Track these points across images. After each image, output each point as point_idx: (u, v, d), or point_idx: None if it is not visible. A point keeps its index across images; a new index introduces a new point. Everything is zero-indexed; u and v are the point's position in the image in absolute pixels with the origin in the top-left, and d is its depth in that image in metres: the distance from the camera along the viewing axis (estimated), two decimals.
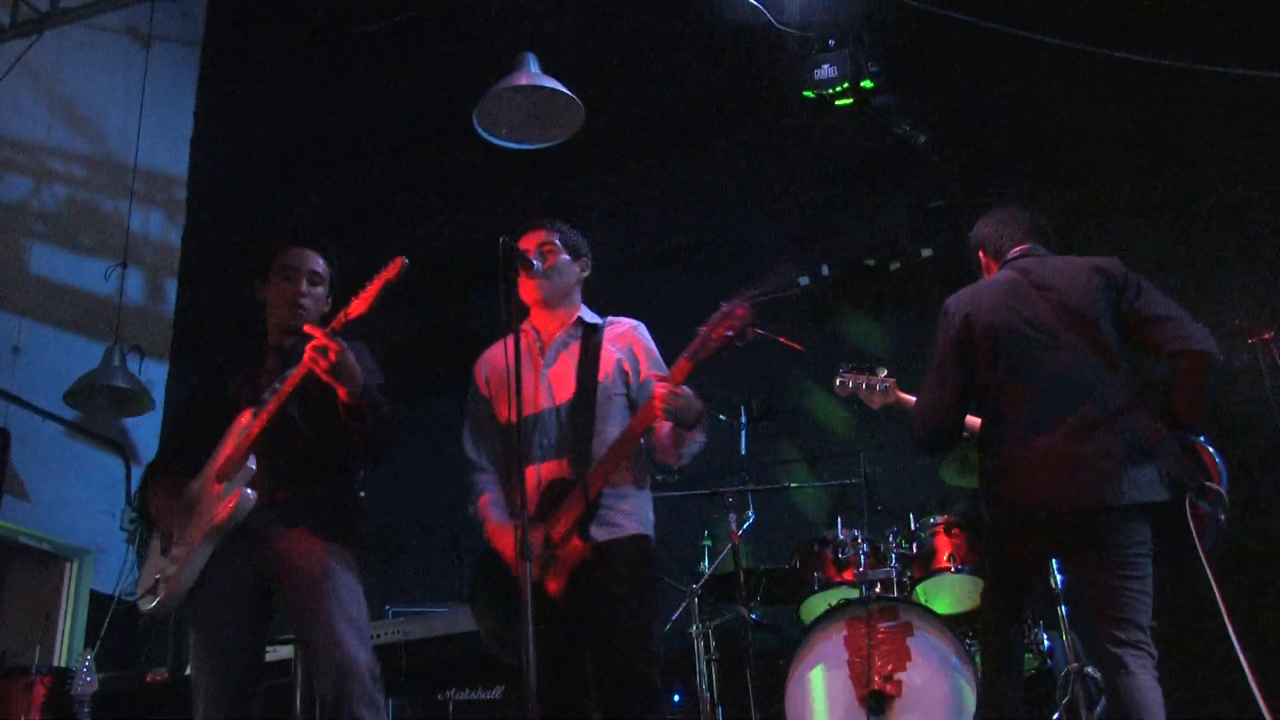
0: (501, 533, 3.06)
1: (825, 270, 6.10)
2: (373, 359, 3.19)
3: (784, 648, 4.55)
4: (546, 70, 4.58)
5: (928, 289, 5.65)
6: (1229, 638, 2.90)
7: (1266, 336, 4.17)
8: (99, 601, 6.53)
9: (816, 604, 4.49)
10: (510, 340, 2.73)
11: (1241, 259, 5.38)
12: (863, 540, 4.43)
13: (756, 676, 4.37)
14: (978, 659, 3.79)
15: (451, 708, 4.45)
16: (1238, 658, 2.89)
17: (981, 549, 4.22)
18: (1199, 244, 5.46)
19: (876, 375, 3.74)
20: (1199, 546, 2.93)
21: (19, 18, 5.79)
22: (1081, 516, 2.96)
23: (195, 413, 3.27)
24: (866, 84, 5.49)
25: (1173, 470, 2.95)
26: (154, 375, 7.15)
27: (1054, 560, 3.81)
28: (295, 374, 2.92)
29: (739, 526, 4.61)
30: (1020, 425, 3.08)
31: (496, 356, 3.25)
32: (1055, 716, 3.86)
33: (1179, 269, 5.29)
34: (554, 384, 3.15)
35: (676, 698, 4.95)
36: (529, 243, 3.23)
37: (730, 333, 2.87)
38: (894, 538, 4.47)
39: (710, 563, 4.82)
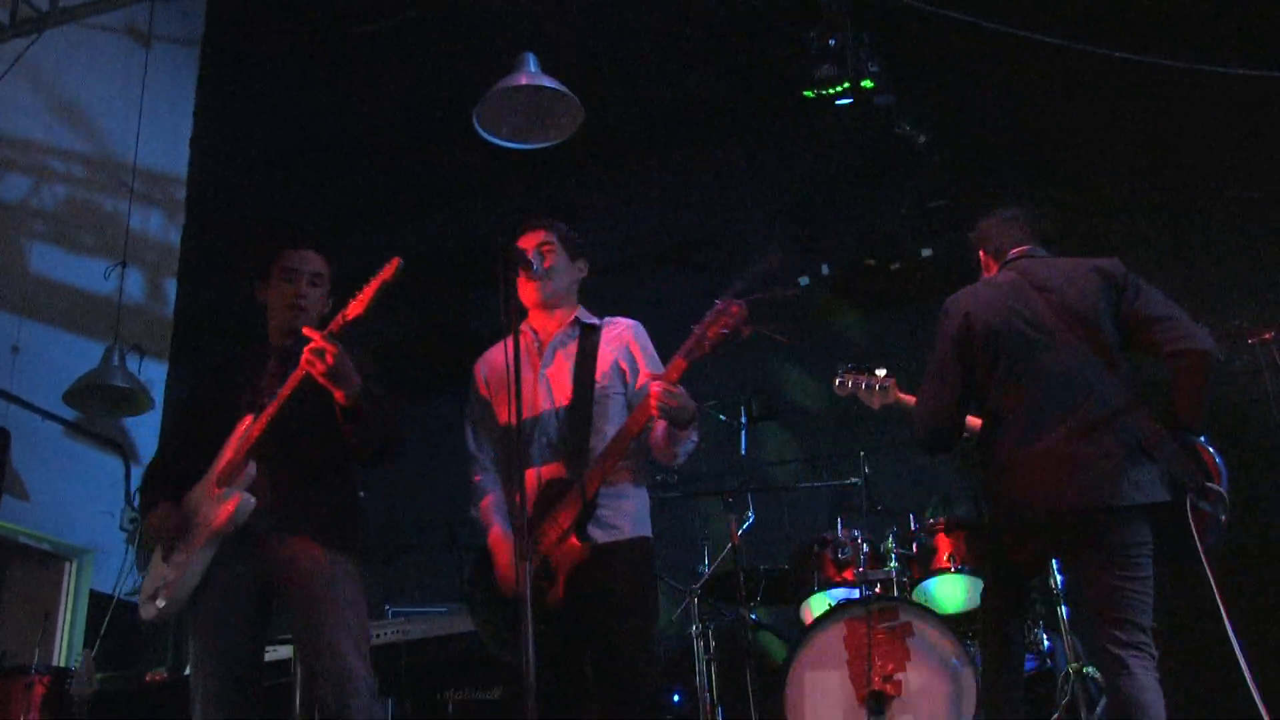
0: (501, 546, 3.06)
1: (825, 270, 6.10)
2: (373, 361, 3.19)
3: (784, 648, 4.54)
4: (546, 70, 4.57)
5: (928, 289, 5.64)
6: (1229, 638, 2.90)
7: (1267, 337, 4.17)
8: (98, 601, 6.53)
9: (816, 604, 4.49)
10: (509, 341, 2.73)
11: (1241, 259, 5.38)
12: (862, 540, 4.43)
13: (756, 677, 4.37)
14: (977, 659, 3.79)
15: (451, 708, 4.45)
16: (1238, 658, 2.89)
17: (981, 549, 4.22)
18: (1199, 244, 5.46)
19: (876, 375, 3.74)
20: (1199, 547, 2.93)
21: (19, 17, 5.79)
22: (1082, 517, 2.96)
23: (195, 415, 3.27)
24: (866, 84, 5.48)
25: (1173, 471, 2.95)
26: (153, 375, 7.15)
27: (1054, 560, 3.81)
28: (294, 377, 2.92)
29: (739, 526, 4.61)
30: (1020, 425, 3.08)
31: (495, 357, 3.25)
32: (1055, 717, 3.86)
33: (1179, 269, 5.29)
34: (552, 385, 3.15)
35: (676, 698, 4.95)
36: (528, 242, 3.23)
37: (725, 330, 2.87)
38: (893, 538, 4.47)
39: (710, 563, 4.81)
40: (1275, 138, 5.30)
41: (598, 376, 3.13)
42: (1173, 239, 5.49)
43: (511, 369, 2.69)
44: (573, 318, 3.26)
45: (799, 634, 4.27)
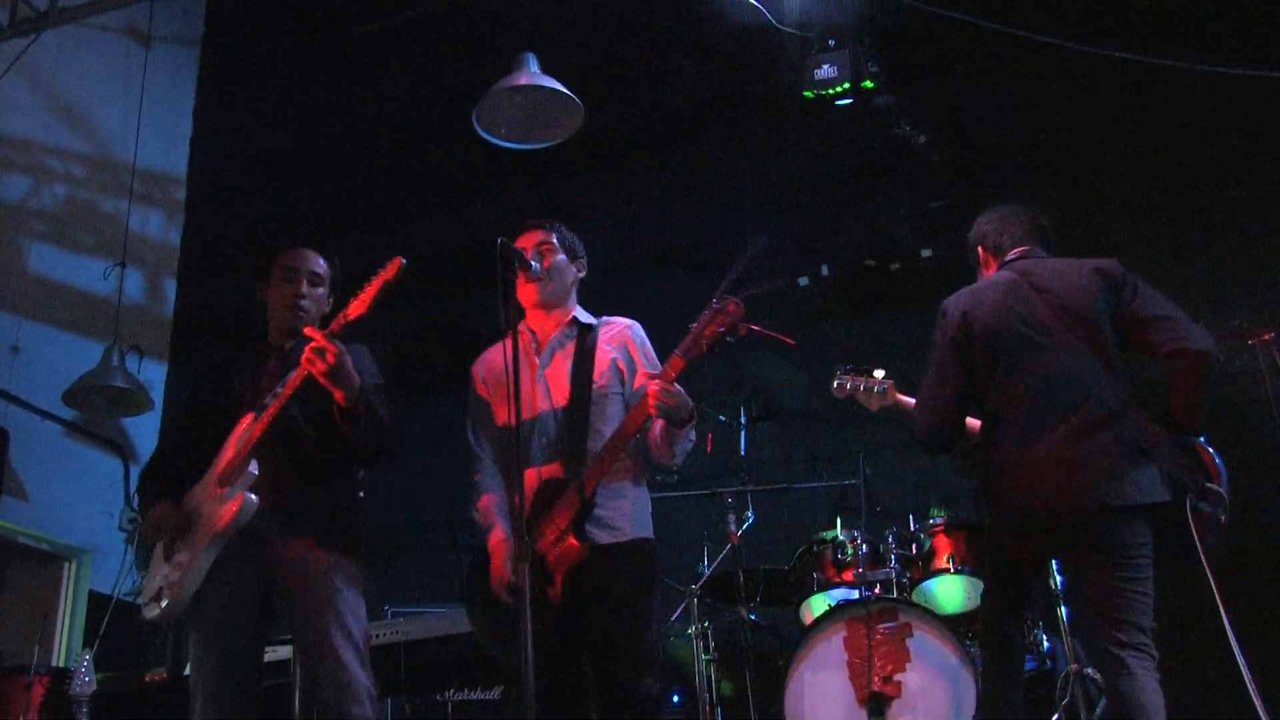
0: (500, 549, 3.05)
1: (825, 270, 6.09)
2: (373, 361, 3.18)
3: (783, 648, 4.54)
4: (546, 70, 4.58)
5: (928, 289, 5.64)
6: (1229, 638, 2.90)
7: (1267, 337, 4.16)
8: (97, 601, 6.53)
9: (816, 605, 4.49)
10: (509, 341, 2.72)
11: (1241, 259, 5.37)
12: (862, 541, 4.43)
13: (756, 677, 4.36)
14: (977, 660, 3.79)
15: (450, 708, 4.45)
16: (1237, 658, 2.89)
17: (981, 550, 4.22)
18: (1199, 244, 5.46)
19: (874, 377, 3.73)
20: (1199, 548, 2.93)
21: (18, 17, 5.78)
22: (1082, 517, 2.95)
23: (194, 414, 3.26)
24: (867, 84, 5.47)
25: (1173, 471, 2.95)
26: (153, 375, 7.14)
27: (1054, 561, 3.80)
28: (295, 377, 2.92)
29: (738, 527, 4.61)
30: (1019, 426, 3.08)
31: (493, 358, 3.26)
32: (1055, 718, 3.85)
33: (1179, 269, 5.29)
34: (550, 385, 3.15)
35: (676, 698, 4.94)
36: (526, 242, 3.23)
37: (722, 329, 2.87)
38: (893, 539, 4.47)
39: (710, 563, 4.81)
40: (1275, 138, 5.29)
41: (596, 376, 3.13)
42: (1173, 239, 5.48)
43: (510, 369, 2.69)
44: (570, 317, 3.26)
45: (799, 635, 4.26)
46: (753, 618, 4.56)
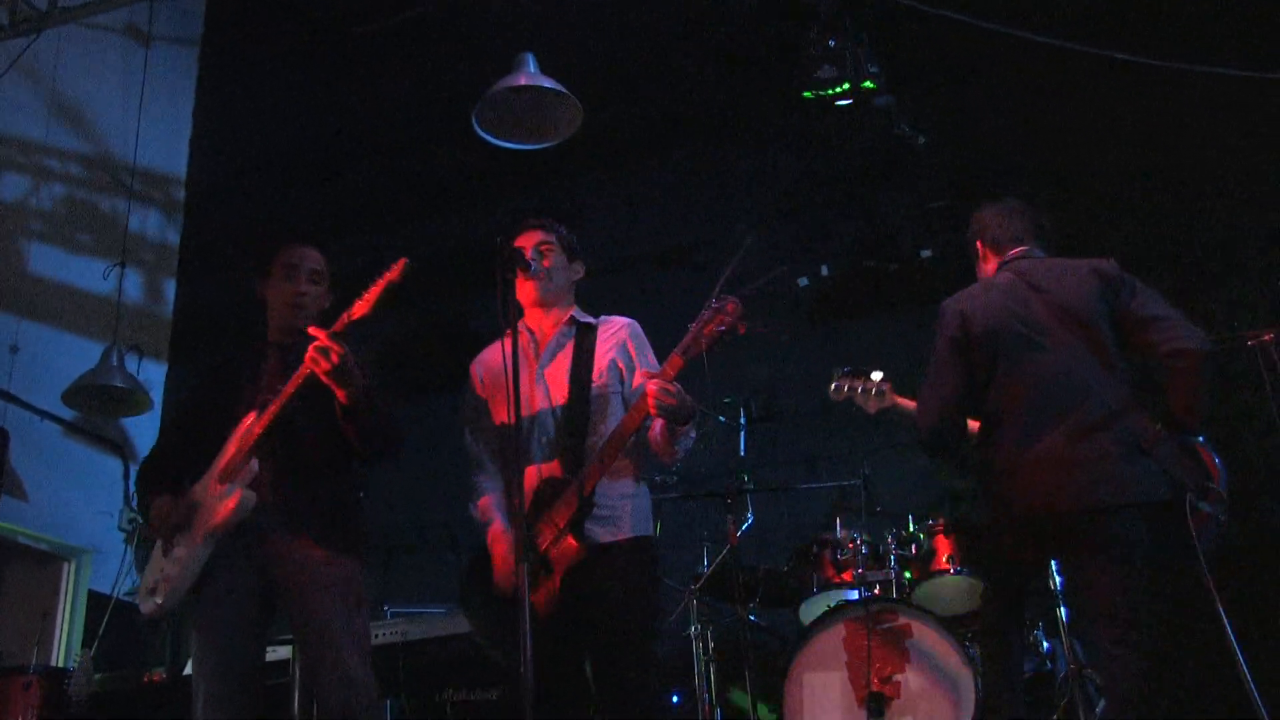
0: (500, 542, 3.05)
1: (825, 270, 6.09)
2: (373, 360, 3.19)
3: (783, 649, 4.54)
4: (546, 70, 4.58)
5: (927, 290, 5.63)
6: (1227, 638, 2.90)
7: (1266, 337, 4.16)
8: (97, 601, 6.52)
9: (815, 605, 4.49)
10: (508, 340, 2.72)
11: (1241, 260, 5.37)
12: (862, 542, 4.43)
13: (755, 678, 4.36)
14: (977, 661, 3.79)
15: (450, 708, 4.45)
16: (1236, 658, 2.89)
17: (981, 550, 4.22)
18: (1198, 245, 5.46)
19: (871, 380, 3.71)
20: (1198, 547, 2.93)
21: (18, 16, 5.79)
22: (1081, 517, 2.95)
23: (194, 412, 3.27)
24: (867, 85, 5.47)
25: (1172, 470, 2.95)
26: (152, 375, 7.14)
27: (1053, 562, 3.80)
28: (298, 375, 2.93)
29: (738, 527, 4.60)
30: (1018, 426, 3.08)
31: (491, 357, 3.26)
32: (1054, 718, 3.85)
33: (1178, 269, 5.29)
34: (549, 384, 3.15)
35: (675, 699, 4.94)
36: (526, 242, 3.24)
37: (721, 328, 2.87)
38: (893, 539, 4.47)
39: (709, 564, 4.81)
40: (1275, 138, 5.29)
41: (594, 375, 3.13)
42: (1173, 239, 5.48)
43: (510, 368, 2.69)
44: (568, 317, 3.26)
45: (798, 635, 4.26)
46: (752, 618, 4.56)
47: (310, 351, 2.86)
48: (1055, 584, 3.91)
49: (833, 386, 3.77)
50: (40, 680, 4.73)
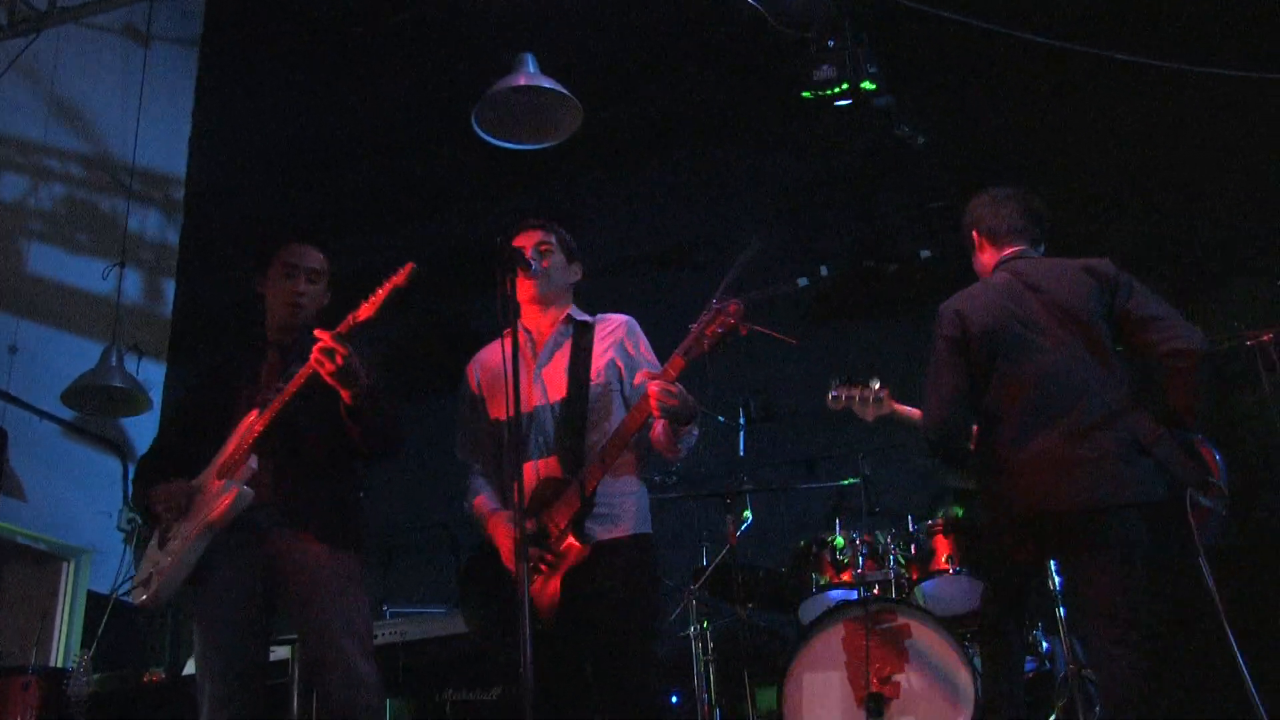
0: (501, 524, 3.04)
1: (825, 270, 6.09)
2: (375, 360, 3.19)
3: (782, 649, 4.54)
4: (546, 70, 4.58)
5: (927, 290, 5.63)
6: (1227, 637, 2.90)
7: (1266, 337, 4.17)
8: (96, 601, 6.51)
9: (815, 605, 4.49)
10: (507, 340, 2.72)
11: (1240, 260, 5.38)
12: (861, 542, 4.43)
13: (754, 678, 4.36)
14: (976, 661, 3.79)
15: (449, 708, 4.45)
16: (1235, 657, 2.89)
17: (980, 550, 4.22)
18: (1198, 245, 5.46)
19: (870, 387, 3.71)
20: (1198, 546, 2.93)
21: (17, 16, 5.78)
22: (1080, 516, 2.95)
23: (193, 410, 3.28)
24: (866, 85, 5.47)
25: (1172, 469, 2.95)
26: (152, 375, 7.14)
27: (1052, 561, 3.80)
28: (300, 374, 2.94)
29: (737, 528, 4.60)
30: (1017, 426, 3.08)
31: (489, 357, 3.26)
32: (1053, 718, 3.85)
33: (1178, 269, 5.29)
34: (547, 383, 3.15)
35: (675, 699, 4.94)
36: (525, 242, 3.23)
37: (723, 329, 2.87)
38: (892, 539, 4.47)
39: (708, 564, 4.81)
40: (1275, 138, 5.30)
41: (593, 374, 3.13)
42: (1172, 239, 5.48)
43: (509, 367, 2.69)
44: (565, 316, 3.26)
45: (798, 635, 4.26)
46: (752, 618, 4.56)
47: (315, 353, 2.87)
48: (1055, 584, 3.91)
49: (831, 395, 3.77)
50: (39, 680, 4.73)
